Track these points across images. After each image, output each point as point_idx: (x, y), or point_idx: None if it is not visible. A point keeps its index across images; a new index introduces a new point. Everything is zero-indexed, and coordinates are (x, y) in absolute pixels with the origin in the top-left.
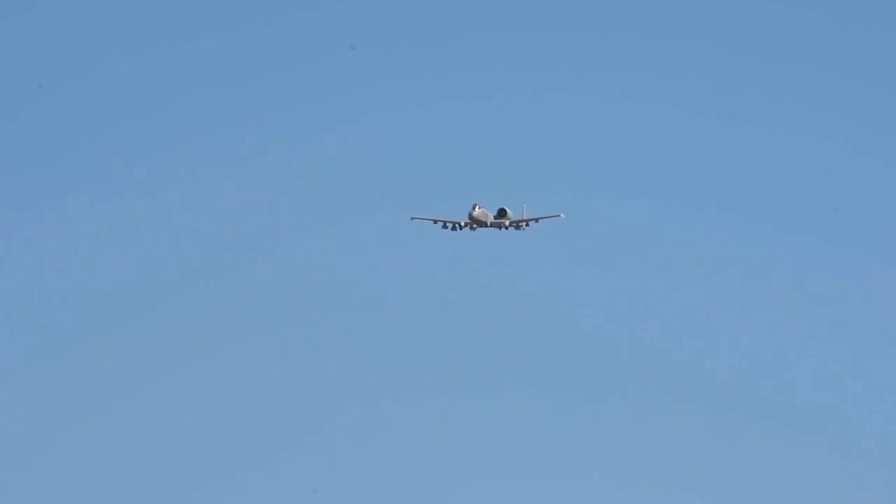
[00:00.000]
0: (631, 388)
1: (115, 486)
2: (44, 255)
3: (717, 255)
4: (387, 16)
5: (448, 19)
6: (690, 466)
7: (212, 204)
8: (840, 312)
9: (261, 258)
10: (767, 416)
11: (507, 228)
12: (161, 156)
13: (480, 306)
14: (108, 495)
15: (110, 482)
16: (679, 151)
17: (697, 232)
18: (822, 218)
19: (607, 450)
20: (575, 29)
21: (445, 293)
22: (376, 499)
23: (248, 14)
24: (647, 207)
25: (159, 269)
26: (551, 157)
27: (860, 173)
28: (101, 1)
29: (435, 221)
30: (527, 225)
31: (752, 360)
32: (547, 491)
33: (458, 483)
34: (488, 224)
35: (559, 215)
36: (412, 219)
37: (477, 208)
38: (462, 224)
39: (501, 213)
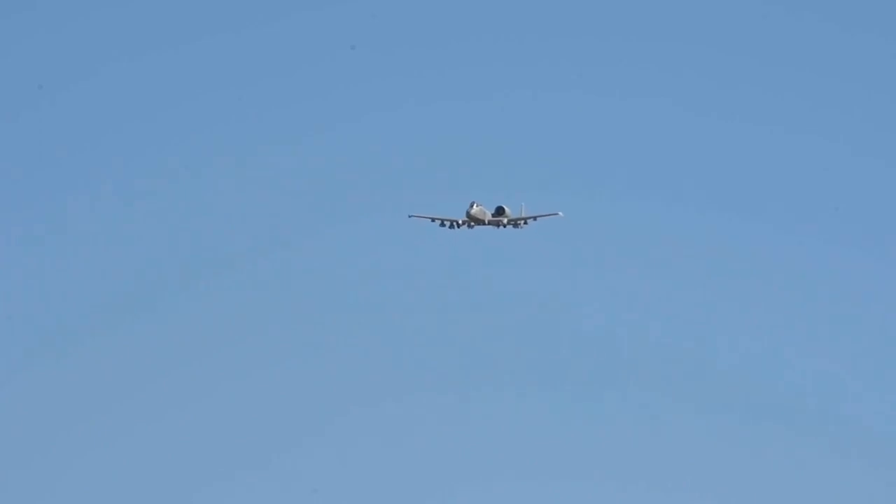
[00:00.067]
0: (630, 387)
1: (119, 486)
2: (44, 255)
3: (716, 254)
4: (387, 16)
5: (447, 18)
6: (689, 465)
7: (211, 203)
8: (840, 312)
9: (258, 257)
10: (767, 414)
11: (504, 227)
12: (161, 156)
13: (477, 305)
14: (111, 496)
15: (114, 482)
16: (678, 150)
17: (696, 231)
18: (822, 218)
19: (606, 449)
20: (574, 28)
21: (442, 291)
22: (375, 499)
23: (247, 14)
24: (646, 206)
25: (156, 268)
26: (550, 154)
27: (860, 173)
28: (100, 1)
29: (432, 219)
30: (525, 223)
31: (752, 359)
32: (545, 491)
33: (456, 483)
34: (486, 222)
35: (558, 213)
36: (409, 217)
37: (475, 206)
38: (460, 222)
39: (499, 211)
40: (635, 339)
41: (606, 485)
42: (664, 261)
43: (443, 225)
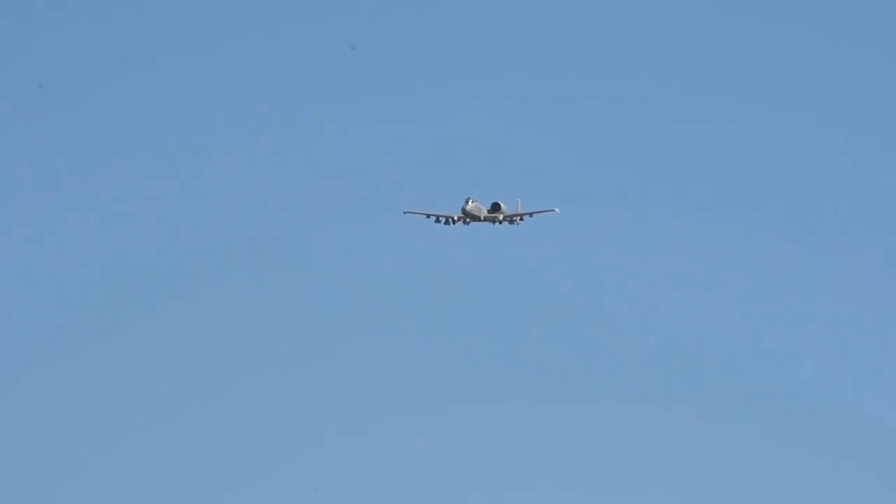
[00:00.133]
0: (629, 385)
1: (123, 487)
2: (44, 255)
3: (715, 251)
4: (387, 16)
5: (446, 18)
6: (686, 463)
7: (210, 203)
8: (840, 312)
9: (256, 255)
10: (766, 413)
11: (500, 223)
12: (160, 156)
13: (474, 303)
14: (114, 496)
15: (116, 483)
16: (676, 147)
17: (694, 228)
18: (822, 218)
19: (605, 448)
20: (573, 28)
21: (437, 289)
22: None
23: (247, 14)
24: (644, 203)
25: (157, 269)
26: (547, 151)
27: (860, 173)
28: (101, 2)
29: (427, 215)
30: (521, 219)
31: (752, 358)
32: (543, 491)
33: (452, 481)
34: (482, 218)
35: (554, 210)
36: (404, 213)
37: (470, 202)
38: (455, 218)
39: (495, 208)
40: (634, 336)
41: (603, 484)
42: (662, 258)
43: (438, 221)
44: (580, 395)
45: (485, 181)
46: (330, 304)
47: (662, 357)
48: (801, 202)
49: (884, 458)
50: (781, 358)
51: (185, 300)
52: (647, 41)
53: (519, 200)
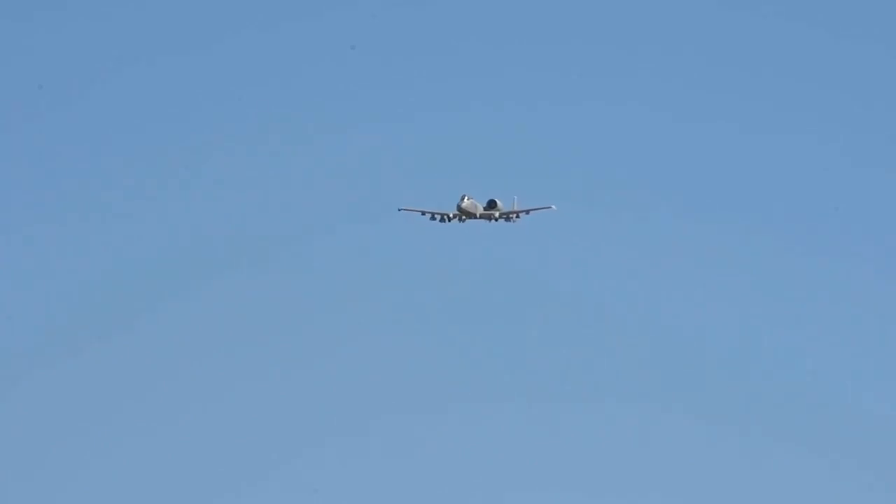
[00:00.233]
0: (624, 383)
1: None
2: (44, 254)
3: (713, 251)
4: (387, 16)
5: (446, 18)
6: (685, 462)
7: (209, 202)
8: (839, 312)
9: (254, 254)
10: (766, 411)
11: (496, 220)
12: (160, 156)
13: (469, 302)
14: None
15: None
16: (674, 147)
17: (691, 224)
18: (822, 217)
19: (602, 446)
20: (572, 27)
21: (433, 288)
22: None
23: (246, 13)
24: (642, 202)
25: (156, 268)
26: (545, 150)
27: (859, 173)
28: (101, 1)
29: (423, 213)
30: (517, 217)
31: (751, 356)
32: (537, 490)
33: (447, 479)
34: (478, 216)
35: (551, 207)
36: (399, 210)
37: (466, 199)
38: (451, 216)
39: (491, 205)
40: (631, 334)
41: (600, 484)
42: (660, 256)
43: (433, 218)
44: (577, 392)
45: (483, 179)
46: (326, 302)
47: (660, 355)
48: (801, 202)
49: (884, 458)
50: (781, 356)
51: (184, 299)
52: (647, 41)
53: (515, 198)
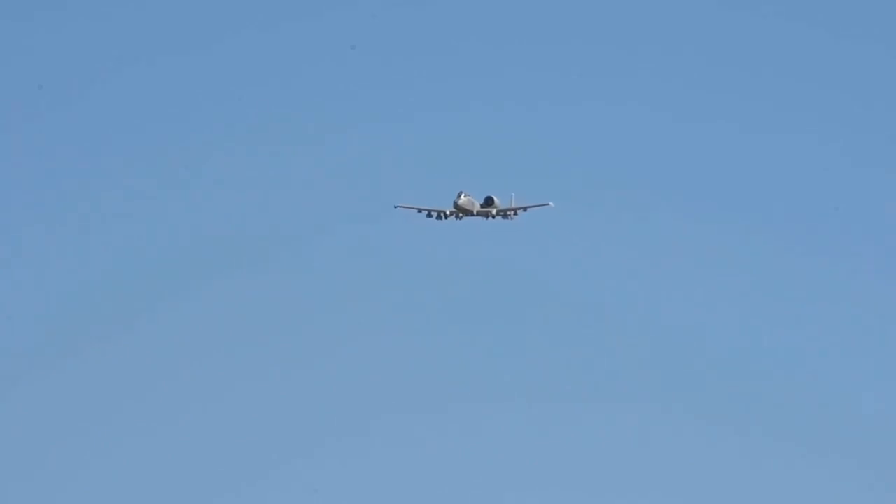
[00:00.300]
0: (622, 381)
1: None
2: (45, 254)
3: (712, 250)
4: (387, 16)
5: (445, 18)
6: (684, 462)
7: (209, 202)
8: (839, 312)
9: (253, 253)
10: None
11: (493, 217)
12: (160, 156)
13: (465, 299)
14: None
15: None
16: (672, 146)
17: (689, 221)
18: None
19: (599, 445)
20: (571, 27)
21: (429, 286)
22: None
23: (246, 14)
24: (640, 200)
25: (156, 268)
26: (543, 148)
27: (859, 173)
28: (101, 2)
29: (419, 210)
30: (515, 214)
31: (750, 355)
32: (533, 488)
33: (443, 478)
34: (475, 213)
35: (548, 204)
36: (396, 207)
37: (462, 196)
38: (447, 213)
39: (488, 202)
40: (628, 332)
41: (598, 483)
42: (658, 255)
43: (430, 216)
44: (573, 390)
45: (481, 177)
46: (322, 300)
47: (657, 353)
48: (801, 202)
49: (884, 458)
50: (780, 355)
51: (183, 298)
52: (646, 40)
53: (513, 195)
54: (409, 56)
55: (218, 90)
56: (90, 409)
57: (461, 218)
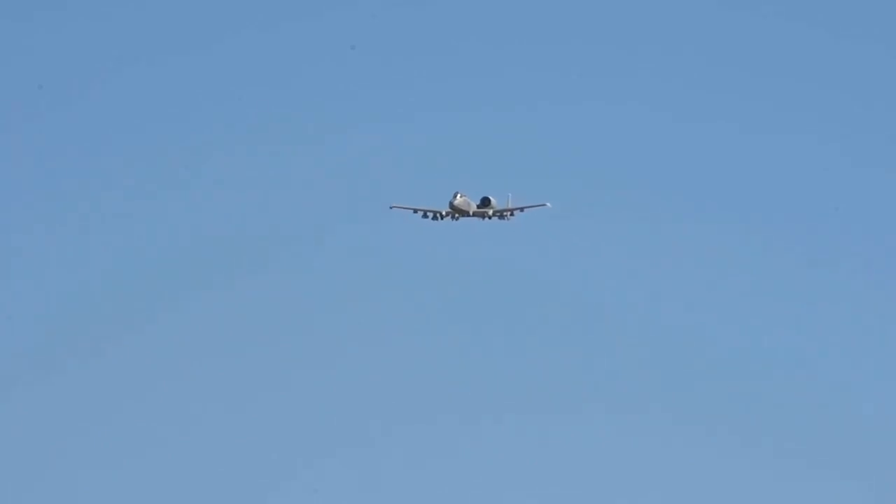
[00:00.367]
0: (619, 383)
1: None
2: (44, 254)
3: (710, 249)
4: (387, 16)
5: (445, 18)
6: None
7: (209, 202)
8: (839, 312)
9: (253, 253)
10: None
11: (490, 218)
12: (160, 156)
13: (462, 301)
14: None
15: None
16: (671, 146)
17: (687, 221)
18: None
19: (598, 448)
20: (570, 28)
21: (425, 286)
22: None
23: (246, 14)
24: (638, 201)
25: (152, 269)
26: (539, 147)
27: (859, 173)
28: (101, 2)
29: (415, 210)
30: (511, 214)
31: (749, 357)
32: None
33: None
34: (471, 213)
35: (545, 204)
36: (391, 207)
37: (458, 197)
38: (443, 213)
39: (485, 202)
40: (626, 333)
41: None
42: (656, 255)
43: (425, 216)
44: (570, 392)
45: (478, 177)
46: (319, 301)
47: (655, 354)
48: (800, 202)
49: (884, 460)
50: (779, 356)
51: (182, 298)
52: (645, 40)
53: (509, 195)
54: (408, 56)
55: (218, 90)
56: (89, 410)
57: (457, 219)
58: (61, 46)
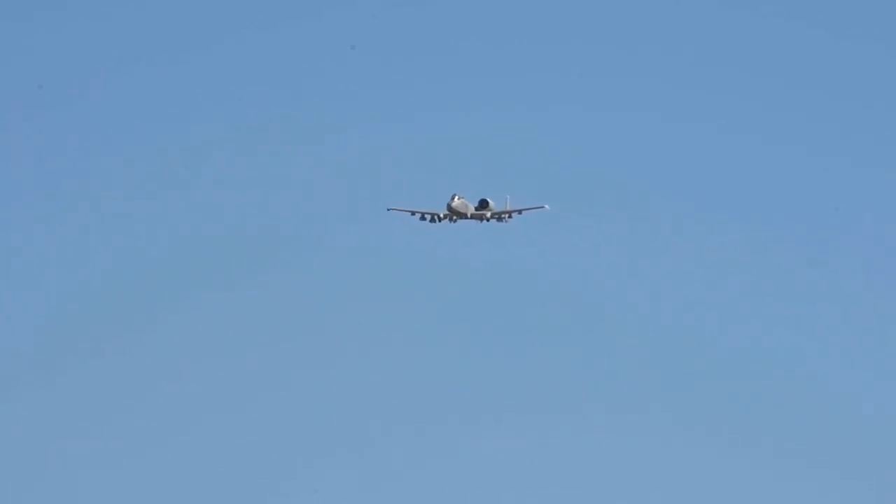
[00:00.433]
0: (618, 385)
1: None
2: (44, 254)
3: (708, 250)
4: (387, 16)
5: (445, 18)
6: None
7: (209, 202)
8: (839, 312)
9: (252, 253)
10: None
11: (488, 220)
12: (160, 156)
13: (459, 305)
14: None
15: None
16: (670, 147)
17: (686, 226)
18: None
19: (597, 450)
20: (570, 28)
21: (422, 289)
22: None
23: (246, 14)
24: (637, 202)
25: (152, 269)
26: (538, 148)
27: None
28: (101, 2)
29: (412, 213)
30: (510, 217)
31: (750, 357)
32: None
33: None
34: (469, 216)
35: (544, 206)
36: (388, 210)
37: (456, 199)
38: (441, 216)
39: (483, 205)
40: (625, 336)
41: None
42: (655, 257)
43: (423, 219)
44: (569, 393)
45: (476, 180)
46: (315, 303)
47: (654, 356)
48: (801, 202)
49: (885, 460)
50: (779, 357)
51: (181, 298)
52: (643, 41)
53: (508, 197)
54: (408, 56)
55: (218, 90)
56: (89, 410)
57: (455, 221)
58: (61, 46)
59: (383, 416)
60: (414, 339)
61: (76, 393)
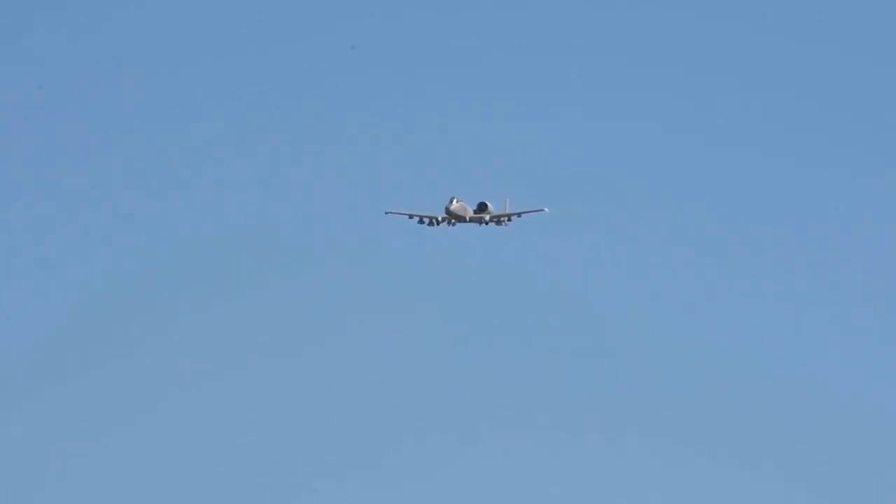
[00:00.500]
0: (618, 387)
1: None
2: (44, 255)
3: (707, 252)
4: (387, 16)
5: (445, 18)
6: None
7: (209, 202)
8: (838, 312)
9: (242, 256)
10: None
11: (487, 223)
12: (160, 156)
13: (458, 307)
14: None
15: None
16: (669, 149)
17: (685, 229)
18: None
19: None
20: (568, 30)
21: (420, 293)
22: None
23: (248, 15)
24: (635, 205)
25: (152, 269)
26: (536, 151)
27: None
28: (101, 2)
29: (410, 216)
30: (509, 220)
31: (749, 360)
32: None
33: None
34: (467, 219)
35: (543, 209)
36: (386, 213)
37: (455, 202)
38: (439, 219)
39: (482, 208)
40: (624, 339)
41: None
42: (654, 259)
43: (421, 222)
44: (568, 396)
45: (475, 183)
46: (313, 305)
47: (652, 359)
48: (800, 203)
49: (884, 460)
50: (778, 359)
51: (181, 299)
52: (642, 45)
53: (507, 200)
54: (408, 57)
55: (218, 91)
56: (89, 410)
57: (453, 224)
58: (61, 46)
59: (382, 419)
60: (412, 341)
61: (76, 393)
